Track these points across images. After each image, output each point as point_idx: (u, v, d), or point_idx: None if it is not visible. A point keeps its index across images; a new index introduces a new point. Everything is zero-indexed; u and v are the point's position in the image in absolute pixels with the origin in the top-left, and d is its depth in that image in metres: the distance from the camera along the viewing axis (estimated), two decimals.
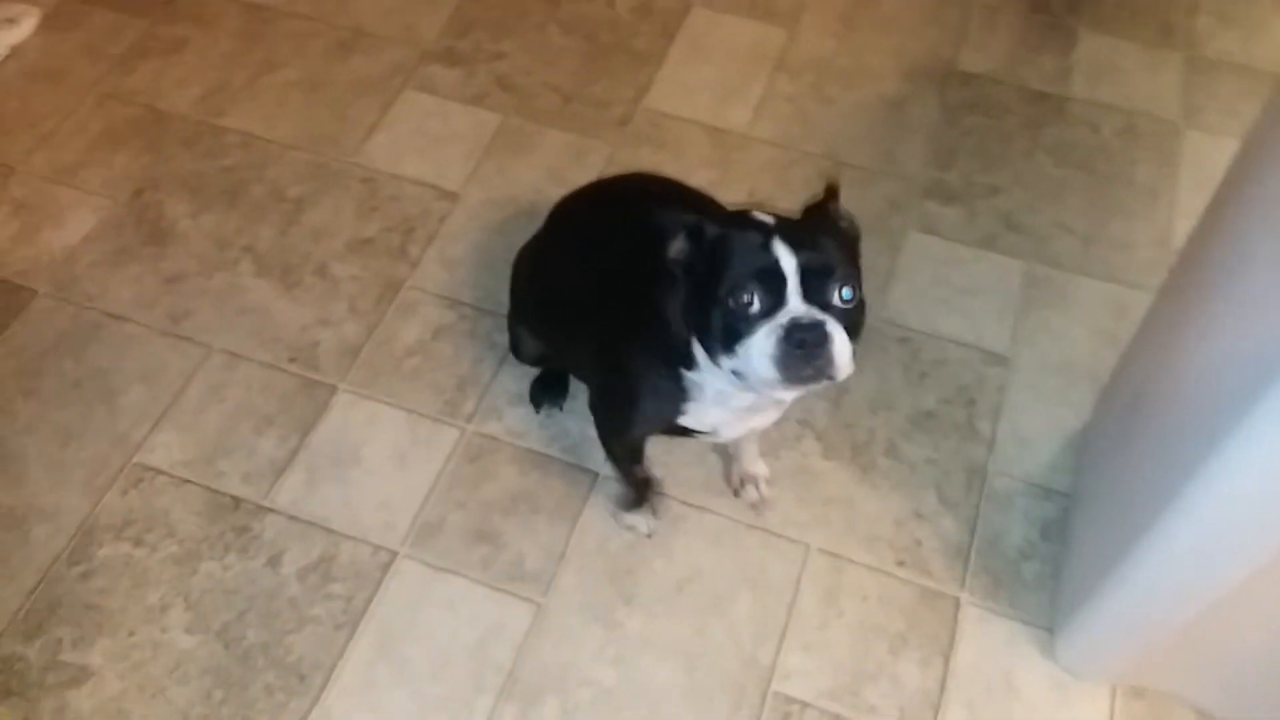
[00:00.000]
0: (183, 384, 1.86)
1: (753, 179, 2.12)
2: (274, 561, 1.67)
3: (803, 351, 1.07)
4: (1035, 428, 1.79)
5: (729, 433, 1.38)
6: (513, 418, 1.81)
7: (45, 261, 2.02)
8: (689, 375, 1.27)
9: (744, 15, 2.42)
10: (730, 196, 2.08)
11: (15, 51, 2.36)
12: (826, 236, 1.14)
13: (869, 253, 2.00)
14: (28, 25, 2.39)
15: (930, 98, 2.26)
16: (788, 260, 1.09)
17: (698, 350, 1.22)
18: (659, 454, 1.73)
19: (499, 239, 2.02)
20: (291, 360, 1.88)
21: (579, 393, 1.80)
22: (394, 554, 1.67)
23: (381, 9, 2.44)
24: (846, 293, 1.12)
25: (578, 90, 2.28)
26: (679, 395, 1.31)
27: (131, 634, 1.60)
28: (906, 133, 2.20)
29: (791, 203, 2.08)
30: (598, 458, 1.74)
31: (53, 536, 1.69)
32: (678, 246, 1.17)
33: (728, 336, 1.12)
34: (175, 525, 1.70)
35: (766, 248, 1.10)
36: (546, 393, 1.79)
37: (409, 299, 1.96)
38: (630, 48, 2.36)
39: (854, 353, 1.11)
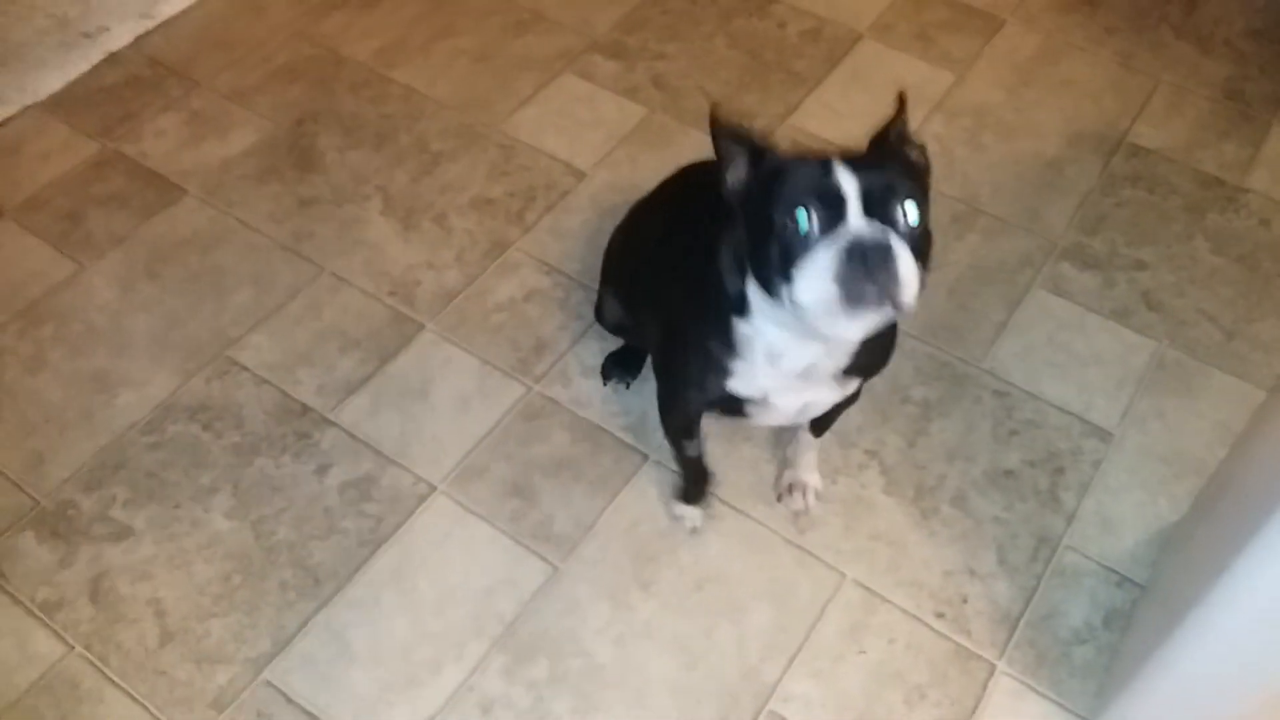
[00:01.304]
0: (288, 296, 1.94)
1: None
2: (322, 470, 1.70)
3: (866, 269, 0.98)
4: (1124, 512, 1.63)
5: (783, 403, 1.28)
6: (580, 387, 1.79)
7: (202, 167, 2.16)
8: (740, 327, 1.21)
9: (916, 55, 2.37)
10: None
11: None
12: (893, 162, 1.08)
13: (985, 300, 1.93)
14: None
15: (1091, 163, 2.14)
16: (848, 180, 1.02)
17: (752, 290, 1.15)
18: (717, 453, 1.68)
19: (611, 221, 2.01)
20: (391, 294, 1.94)
21: (647, 376, 1.77)
22: (432, 488, 1.68)
23: None
24: (912, 212, 1.03)
25: (728, 98, 2.28)
26: (728, 353, 1.24)
27: (177, 506, 1.67)
28: (1056, 193, 2.08)
29: None
30: (651, 441, 1.71)
31: (135, 406, 1.79)
32: (737, 174, 1.11)
33: (784, 260, 1.03)
34: (245, 418, 1.77)
35: (827, 171, 1.03)
36: (618, 367, 1.77)
37: (513, 259, 1.99)
38: (790, 68, 2.35)
39: (922, 281, 1.02)
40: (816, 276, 1.00)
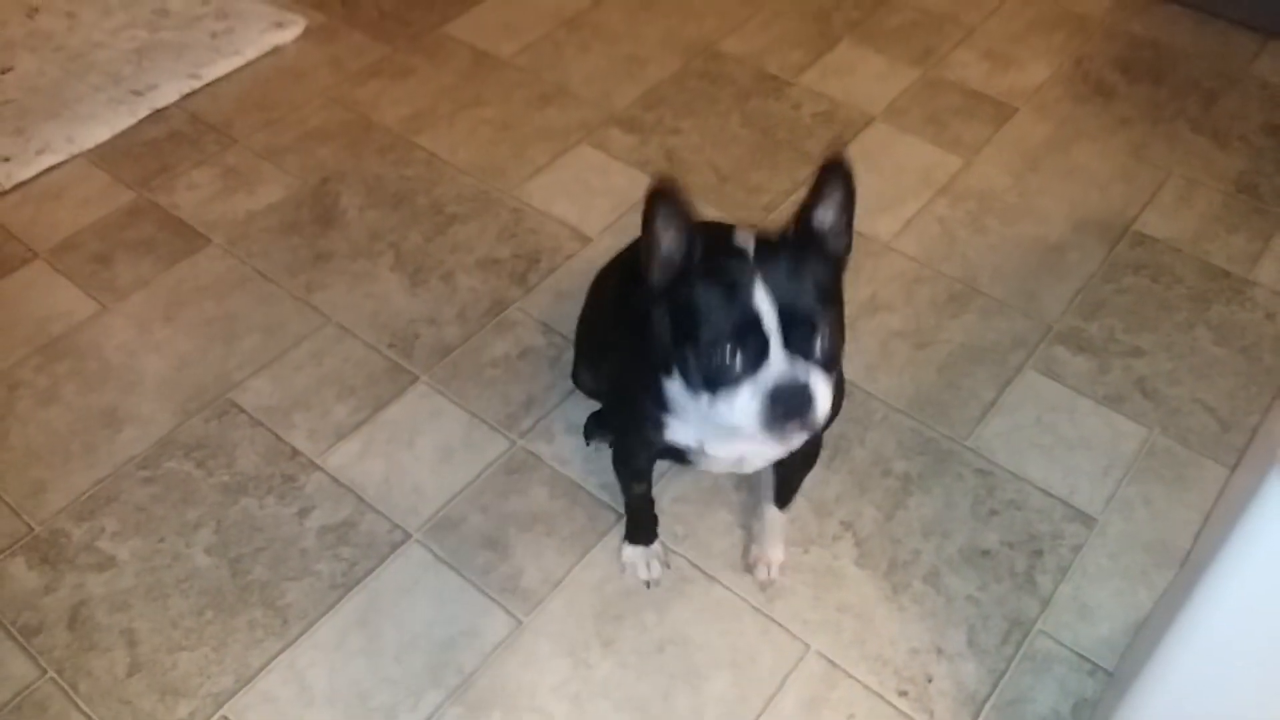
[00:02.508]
0: (294, 343, 2.01)
1: (878, 284, 2.07)
2: (303, 513, 1.74)
3: (786, 407, 1.07)
4: (1102, 599, 1.60)
5: (720, 454, 1.32)
6: (563, 444, 1.82)
7: (228, 219, 2.26)
8: (671, 387, 1.25)
9: (925, 139, 2.41)
10: (854, 295, 2.04)
11: (276, 50, 2.71)
12: (808, 266, 1.10)
13: (975, 379, 1.93)
14: (292, 32, 2.74)
15: (1095, 250, 2.14)
16: (769, 312, 1.06)
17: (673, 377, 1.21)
18: (690, 516, 1.69)
19: None
20: (391, 345, 1.99)
21: None
22: (407, 535, 1.70)
23: (587, 74, 2.61)
24: (826, 338, 1.09)
25: (737, 173, 2.33)
26: (661, 409, 1.29)
27: (161, 540, 1.71)
28: (1055, 278, 2.08)
29: (908, 318, 2.01)
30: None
31: (136, 441, 1.85)
32: (664, 262, 1.13)
33: (708, 384, 1.11)
34: (236, 458, 1.82)
35: (747, 290, 1.06)
36: (599, 428, 1.79)
37: (511, 317, 2.04)
38: (801, 147, 2.39)
39: (834, 389, 1.10)
40: (740, 413, 1.09)
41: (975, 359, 1.92)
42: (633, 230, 2.24)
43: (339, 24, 2.80)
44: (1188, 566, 1.21)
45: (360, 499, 1.75)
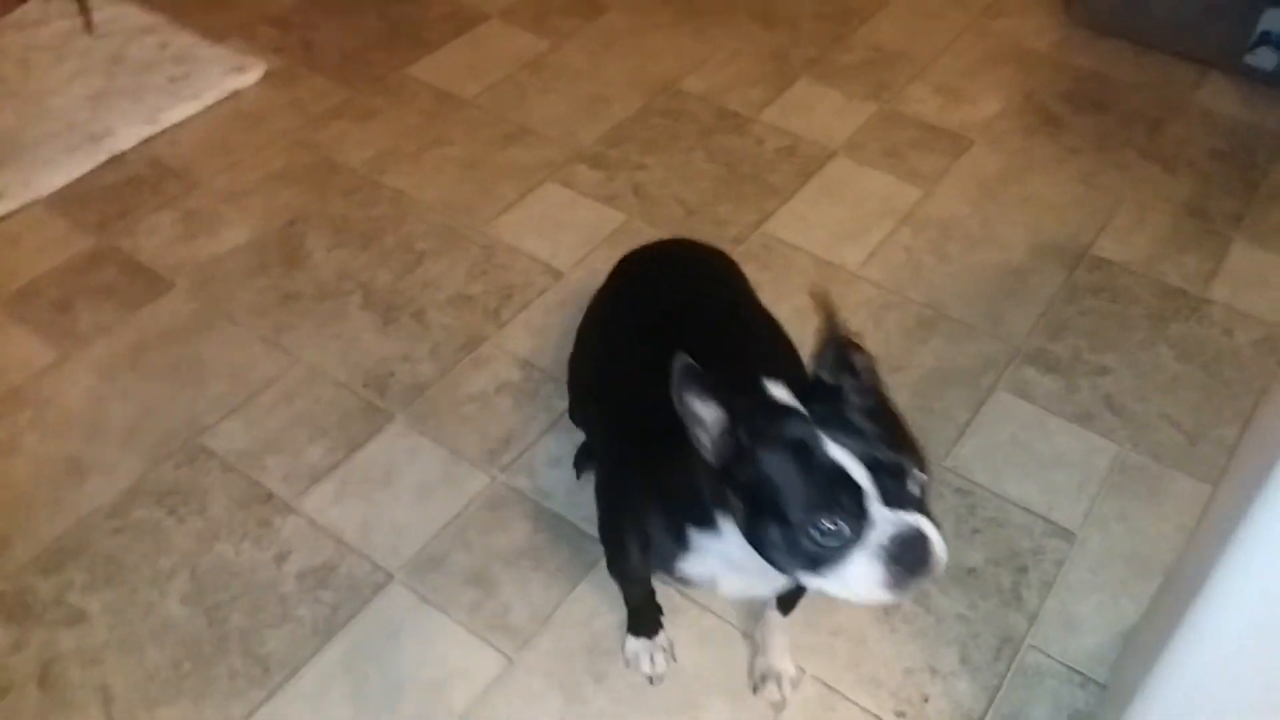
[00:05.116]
0: (264, 386, 1.97)
1: (847, 310, 2.10)
2: (280, 558, 1.70)
3: (908, 562, 0.95)
4: (1087, 612, 1.62)
5: (731, 589, 1.22)
6: (545, 478, 1.80)
7: (192, 262, 2.23)
8: (697, 533, 1.12)
9: (886, 170, 2.46)
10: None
11: (236, 94, 2.69)
12: (867, 410, 0.99)
13: (948, 401, 1.96)
14: (252, 76, 2.72)
15: (1055, 273, 2.19)
16: (852, 465, 0.94)
17: (729, 526, 1.05)
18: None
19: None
20: (365, 385, 1.97)
21: None
22: (390, 576, 1.67)
23: (550, 115, 2.63)
24: (920, 479, 0.98)
25: (703, 206, 2.36)
26: (678, 548, 1.16)
27: (134, 591, 1.66)
28: (1019, 301, 2.13)
29: (880, 344, 2.03)
30: None
31: (103, 490, 1.80)
32: (709, 448, 1.00)
33: (812, 562, 0.97)
34: (208, 504, 1.78)
35: (817, 448, 0.95)
36: (590, 460, 1.77)
37: (486, 353, 2.03)
38: (765, 180, 2.43)
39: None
40: (861, 584, 0.96)
41: (947, 381, 1.95)
42: (604, 264, 2.25)
43: (299, 67, 2.79)
44: (1181, 579, 1.23)
45: (339, 541, 1.72)
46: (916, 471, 0.97)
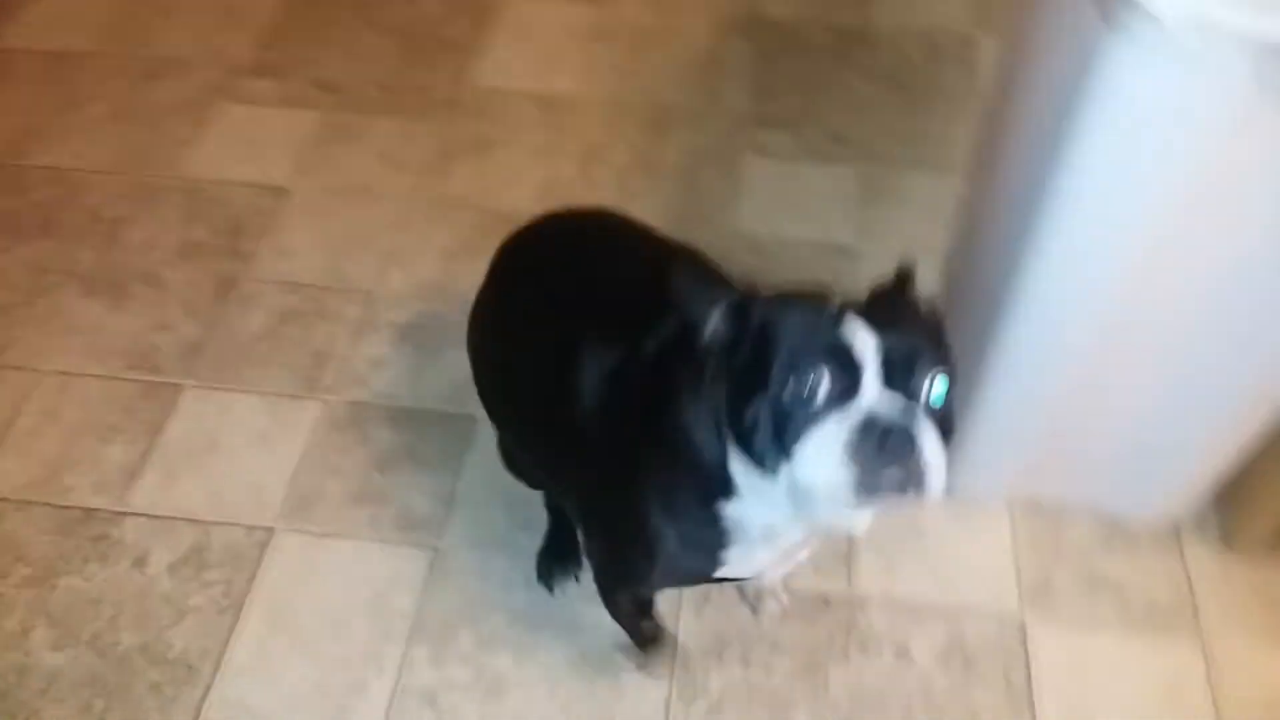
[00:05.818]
0: (13, 413, 1.71)
1: (587, 135, 2.15)
2: (139, 563, 1.54)
3: (885, 452, 0.79)
4: None
5: (772, 575, 1.17)
6: (378, 380, 1.74)
7: None
8: (728, 510, 0.97)
9: (562, 1, 2.47)
10: (570, 149, 2.11)
11: None
12: (912, 321, 0.89)
13: (710, 180, 2.08)
14: None
15: (743, 45, 2.35)
16: (865, 338, 0.83)
17: (737, 467, 0.92)
18: None
19: (337, 221, 1.99)
20: (130, 368, 1.77)
21: None
22: (270, 530, 1.56)
23: (185, 35, 2.39)
24: (940, 385, 0.84)
25: (398, 81, 2.27)
26: (716, 542, 1.00)
27: None
28: (726, 77, 2.28)
29: (629, 153, 2.11)
30: (470, 402, 1.65)
31: None
32: (715, 327, 0.89)
33: (782, 430, 0.83)
34: (24, 548, 1.55)
35: (838, 323, 0.84)
36: (557, 562, 1.47)
37: (248, 291, 1.88)
38: (444, 37, 2.38)
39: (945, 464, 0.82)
40: (825, 454, 0.81)
41: (700, 164, 2.08)
42: (325, 165, 2.13)
43: None
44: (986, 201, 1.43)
45: (194, 520, 1.58)
46: (939, 377, 0.84)
